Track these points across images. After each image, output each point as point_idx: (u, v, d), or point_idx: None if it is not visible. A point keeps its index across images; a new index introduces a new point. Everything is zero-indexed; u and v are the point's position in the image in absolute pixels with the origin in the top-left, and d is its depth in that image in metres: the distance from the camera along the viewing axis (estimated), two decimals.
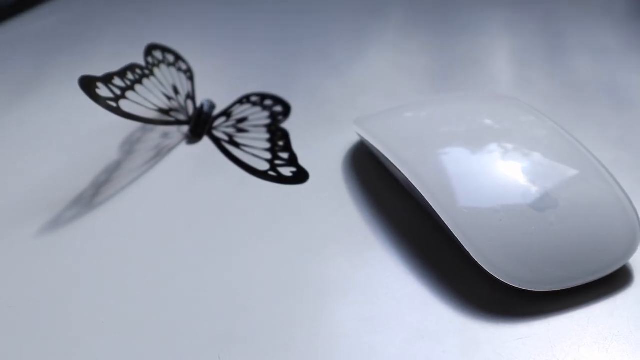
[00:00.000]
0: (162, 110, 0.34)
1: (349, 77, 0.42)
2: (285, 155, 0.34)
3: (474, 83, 0.42)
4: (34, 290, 0.27)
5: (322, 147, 0.35)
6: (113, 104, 0.32)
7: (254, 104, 0.38)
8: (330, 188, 0.32)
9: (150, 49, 0.38)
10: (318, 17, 0.51)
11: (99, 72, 0.32)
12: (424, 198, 0.28)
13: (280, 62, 0.44)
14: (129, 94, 0.33)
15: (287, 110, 0.38)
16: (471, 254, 0.26)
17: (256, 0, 0.53)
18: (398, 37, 0.48)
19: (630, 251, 0.26)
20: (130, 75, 0.34)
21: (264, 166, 0.33)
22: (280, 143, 0.35)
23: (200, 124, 0.36)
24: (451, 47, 0.46)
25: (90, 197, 0.31)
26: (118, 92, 0.32)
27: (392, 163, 0.30)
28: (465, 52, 0.45)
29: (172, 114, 0.35)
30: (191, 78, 0.39)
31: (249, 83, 0.40)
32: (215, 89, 0.39)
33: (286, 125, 0.36)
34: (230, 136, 0.35)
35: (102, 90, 0.31)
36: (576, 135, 0.30)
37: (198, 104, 0.37)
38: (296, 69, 0.43)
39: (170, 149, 0.35)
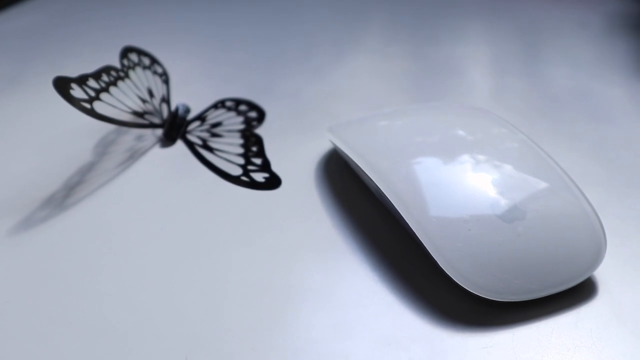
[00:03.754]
0: (136, 113, 0.34)
1: (326, 83, 0.42)
2: (258, 161, 0.34)
3: (450, 92, 0.42)
4: (2, 290, 0.27)
5: (295, 154, 0.35)
6: (87, 105, 0.31)
7: (229, 109, 0.38)
8: (302, 195, 0.32)
9: (125, 52, 0.38)
10: (298, 22, 0.51)
11: (74, 74, 0.32)
12: (394, 206, 0.28)
13: (257, 67, 0.44)
14: (103, 95, 0.33)
15: (261, 116, 0.38)
16: (439, 263, 0.26)
17: (234, 5, 0.53)
18: (378, 44, 0.48)
19: (595, 263, 0.27)
20: (105, 77, 0.34)
21: (236, 171, 0.33)
22: (254, 149, 0.35)
23: (174, 127, 0.36)
24: (430, 56, 0.46)
25: (62, 198, 0.31)
26: (92, 93, 0.32)
27: (363, 171, 0.30)
28: (443, 61, 0.46)
29: (147, 117, 0.35)
30: (166, 81, 0.39)
31: (224, 88, 0.40)
32: (191, 93, 0.39)
33: (260, 131, 0.37)
34: (204, 140, 0.35)
35: (76, 92, 0.31)
36: (547, 148, 0.30)
37: (173, 107, 0.37)
38: (273, 75, 0.43)
39: (143, 152, 0.35)
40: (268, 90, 0.41)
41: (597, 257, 0.27)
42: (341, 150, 0.32)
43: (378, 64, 0.45)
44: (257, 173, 0.33)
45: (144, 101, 0.36)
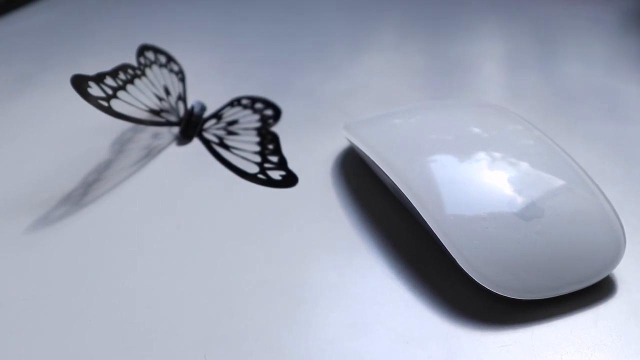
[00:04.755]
0: (153, 111, 0.35)
1: (341, 81, 0.42)
2: (274, 159, 0.34)
3: (465, 90, 0.42)
4: (21, 287, 0.27)
5: (311, 152, 0.35)
6: (104, 103, 0.32)
7: (245, 106, 0.38)
8: (319, 192, 0.32)
9: (142, 50, 0.38)
10: (312, 20, 0.51)
11: (91, 72, 0.32)
12: (411, 204, 0.28)
13: (272, 65, 0.44)
14: (120, 93, 0.33)
15: (277, 113, 0.38)
16: (457, 261, 0.26)
17: (249, 3, 0.53)
18: (393, 41, 0.48)
19: (614, 261, 0.26)
20: (122, 75, 0.34)
21: (253, 169, 0.33)
22: (270, 146, 0.35)
23: (190, 125, 0.36)
24: (445, 53, 0.46)
25: (80, 196, 0.31)
26: (109, 91, 0.33)
27: (380, 169, 0.30)
28: (458, 59, 0.45)
29: (163, 114, 0.35)
30: (182, 79, 0.39)
31: (239, 86, 0.40)
32: (206, 91, 0.39)
33: (276, 128, 0.37)
34: (220, 138, 0.35)
35: (94, 90, 0.32)
36: (564, 145, 0.30)
37: (189, 105, 0.37)
38: (288, 72, 0.43)
39: (160, 150, 0.35)
40: (283, 88, 0.41)
41: (616, 255, 0.26)
42: (357, 148, 0.32)
43: (393, 61, 0.45)
44: (274, 171, 0.33)
45: (160, 99, 0.36)
